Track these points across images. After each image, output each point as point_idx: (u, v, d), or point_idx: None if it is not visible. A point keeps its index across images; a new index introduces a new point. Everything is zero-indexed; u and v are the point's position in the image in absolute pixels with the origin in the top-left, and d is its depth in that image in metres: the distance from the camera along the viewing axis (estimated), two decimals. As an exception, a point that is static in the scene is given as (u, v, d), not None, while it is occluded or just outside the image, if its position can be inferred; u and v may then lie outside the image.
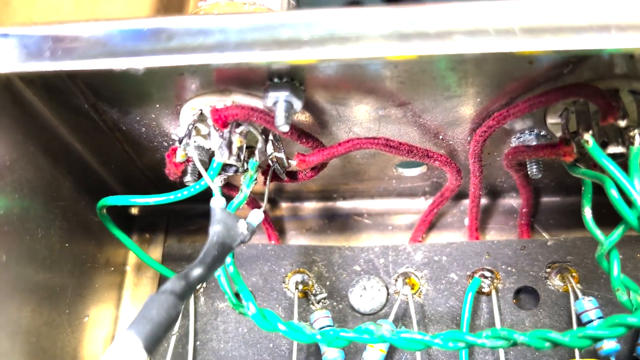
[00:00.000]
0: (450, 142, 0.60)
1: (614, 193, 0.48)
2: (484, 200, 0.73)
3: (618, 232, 0.50)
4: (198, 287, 0.67)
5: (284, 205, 0.76)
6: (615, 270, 0.51)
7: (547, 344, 0.48)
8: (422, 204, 0.73)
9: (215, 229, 0.48)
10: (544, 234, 0.71)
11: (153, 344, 0.42)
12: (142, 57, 0.43)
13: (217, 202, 0.52)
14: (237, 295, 0.54)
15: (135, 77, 0.48)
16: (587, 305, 0.60)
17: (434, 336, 0.50)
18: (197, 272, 0.46)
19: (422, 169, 0.67)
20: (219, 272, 0.55)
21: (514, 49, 0.41)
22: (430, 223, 0.71)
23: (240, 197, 0.56)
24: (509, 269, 0.65)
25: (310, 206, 0.76)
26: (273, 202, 0.76)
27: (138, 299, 0.72)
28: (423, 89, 0.51)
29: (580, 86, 0.49)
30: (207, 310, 0.68)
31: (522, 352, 0.62)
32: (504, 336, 0.49)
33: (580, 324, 0.60)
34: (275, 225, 0.73)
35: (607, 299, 0.62)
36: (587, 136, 0.49)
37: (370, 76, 0.50)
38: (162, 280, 0.71)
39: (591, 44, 0.40)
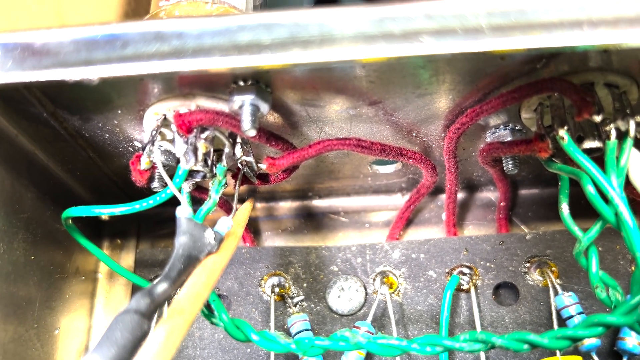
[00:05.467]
0: (424, 139, 0.59)
1: (590, 189, 0.47)
2: (461, 195, 0.71)
3: (596, 229, 0.49)
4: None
5: (259, 205, 0.74)
6: (594, 267, 0.50)
7: (526, 346, 0.48)
8: (399, 200, 0.72)
9: (180, 241, 0.46)
10: (522, 227, 0.70)
11: (118, 367, 0.40)
12: (96, 67, 0.41)
13: (183, 212, 0.50)
14: (208, 305, 0.52)
15: (92, 85, 0.46)
16: (567, 301, 0.59)
17: (411, 341, 0.50)
18: (162, 287, 0.44)
19: (397, 166, 0.66)
20: (189, 283, 0.53)
21: (484, 49, 0.39)
22: (408, 219, 0.70)
23: (208, 204, 0.54)
24: (488, 264, 0.64)
25: (285, 205, 0.74)
26: (247, 202, 0.74)
27: (111, 307, 0.70)
28: (393, 87, 0.50)
29: (553, 81, 0.47)
30: (181, 317, 0.66)
31: (503, 350, 0.61)
32: (482, 339, 0.48)
33: (561, 319, 0.60)
34: (250, 227, 0.72)
35: (587, 293, 0.62)
36: (562, 132, 0.48)
37: (339, 77, 0.48)
38: (135, 286, 0.69)
39: (563, 41, 0.39)
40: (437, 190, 0.70)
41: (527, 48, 0.39)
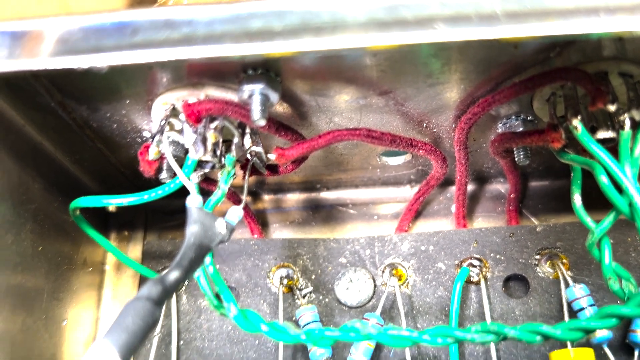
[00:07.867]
0: (435, 130, 0.58)
1: (604, 179, 0.46)
2: (470, 187, 0.71)
3: (609, 220, 0.49)
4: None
5: (267, 197, 0.74)
6: (607, 258, 0.49)
7: (538, 338, 0.47)
8: (408, 192, 0.72)
9: (192, 230, 0.46)
10: (532, 219, 0.69)
11: (129, 353, 0.40)
12: (105, 54, 0.41)
13: (193, 201, 0.49)
14: (217, 296, 0.52)
15: (101, 73, 0.45)
16: (578, 293, 0.58)
17: (422, 332, 0.49)
18: (173, 275, 0.44)
19: (407, 157, 0.65)
20: (198, 273, 0.53)
21: (498, 36, 0.38)
22: (417, 212, 0.70)
23: (218, 194, 0.53)
24: (498, 256, 0.64)
25: (293, 197, 0.74)
26: (255, 194, 0.74)
27: (119, 299, 0.70)
28: (405, 77, 0.49)
29: (567, 70, 0.47)
30: (189, 309, 0.66)
31: (513, 342, 0.61)
32: (493, 330, 0.48)
33: (572, 311, 0.59)
34: (258, 219, 0.71)
35: (598, 285, 0.61)
36: (576, 122, 0.47)
37: (349, 65, 0.47)
38: (143, 278, 0.69)
39: (579, 28, 0.38)
40: (447, 182, 0.70)
41: (542, 35, 0.38)
